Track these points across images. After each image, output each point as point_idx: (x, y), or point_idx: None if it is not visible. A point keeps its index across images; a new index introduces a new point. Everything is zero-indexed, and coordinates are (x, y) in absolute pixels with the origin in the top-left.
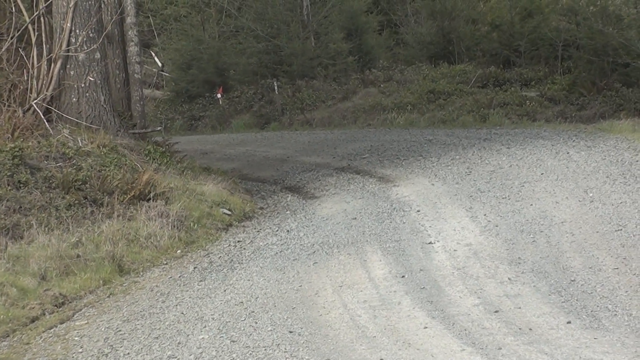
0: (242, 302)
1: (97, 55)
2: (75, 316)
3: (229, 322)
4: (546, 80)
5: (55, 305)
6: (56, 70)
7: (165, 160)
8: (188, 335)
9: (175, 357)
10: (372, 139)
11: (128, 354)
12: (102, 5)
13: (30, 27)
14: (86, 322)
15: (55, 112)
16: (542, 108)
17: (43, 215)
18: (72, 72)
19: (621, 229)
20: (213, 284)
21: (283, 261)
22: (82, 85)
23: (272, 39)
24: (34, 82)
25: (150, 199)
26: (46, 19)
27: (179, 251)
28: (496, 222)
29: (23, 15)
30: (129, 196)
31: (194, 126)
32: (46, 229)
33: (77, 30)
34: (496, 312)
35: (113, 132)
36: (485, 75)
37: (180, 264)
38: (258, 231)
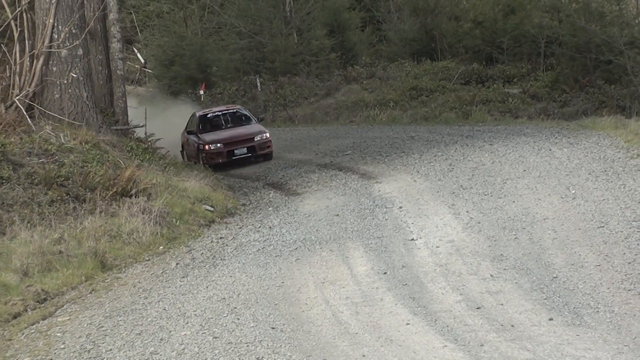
0: (224, 299)
1: (80, 52)
2: (57, 312)
3: (212, 318)
4: (529, 77)
5: (38, 302)
6: (39, 66)
7: (147, 157)
8: (170, 331)
9: (158, 354)
10: (355, 135)
11: (110, 350)
12: (85, 2)
13: (12, 23)
14: (68, 318)
15: (37, 108)
16: (525, 105)
17: (25, 211)
18: (54, 69)
19: (603, 226)
20: (195, 280)
21: (265, 257)
22: (65, 81)
23: (255, 36)
24: (17, 79)
25: (132, 195)
26: (29, 15)
27: (161, 247)
28: (478, 219)
29: (5, 12)
30: (111, 192)
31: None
32: (28, 225)
33: (60, 27)
34: (478, 308)
35: (95, 128)
36: (468, 72)
37: (163, 260)
38: (240, 227)
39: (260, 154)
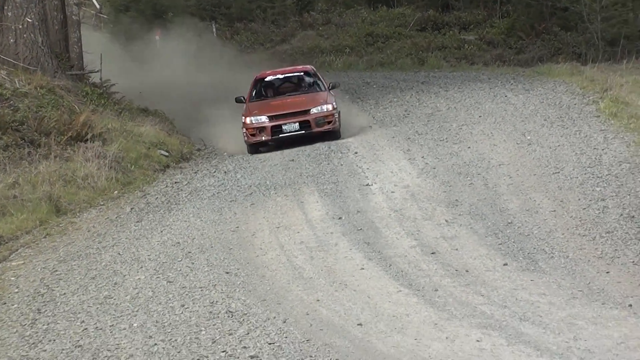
0: (178, 243)
1: None
2: (11, 256)
3: (166, 262)
4: (485, 24)
5: None
6: None
7: (102, 102)
8: (124, 275)
9: (112, 298)
10: None
11: (64, 294)
12: None
13: None
14: (22, 262)
15: None
16: (481, 51)
17: None
18: (9, 14)
19: (558, 172)
20: (150, 224)
21: (220, 202)
22: (20, 26)
23: None
24: None
25: (87, 140)
26: None
27: (115, 192)
28: (434, 165)
29: None
30: (66, 137)
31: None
32: None
33: None
34: (433, 254)
35: (51, 73)
36: (424, 19)
37: (117, 205)
38: (195, 172)
39: (317, 131)
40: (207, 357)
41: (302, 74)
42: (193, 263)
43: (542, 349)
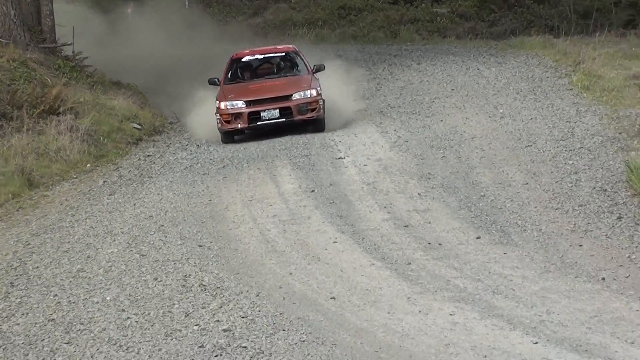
0: (151, 216)
1: None
2: None
3: (139, 236)
4: None
5: None
6: None
7: (75, 75)
8: (97, 249)
9: (85, 271)
10: None
11: (37, 267)
12: None
13: None
14: None
15: None
16: (453, 24)
17: None
18: None
19: (531, 145)
20: (122, 198)
21: (193, 175)
22: None
23: None
24: None
25: (60, 113)
26: None
27: (88, 165)
28: (406, 138)
29: None
30: (38, 110)
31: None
32: None
33: None
34: (406, 227)
35: (23, 46)
36: None
37: (90, 178)
38: (168, 145)
39: (299, 119)
40: (180, 330)
41: (283, 54)
42: (166, 236)
43: (514, 323)
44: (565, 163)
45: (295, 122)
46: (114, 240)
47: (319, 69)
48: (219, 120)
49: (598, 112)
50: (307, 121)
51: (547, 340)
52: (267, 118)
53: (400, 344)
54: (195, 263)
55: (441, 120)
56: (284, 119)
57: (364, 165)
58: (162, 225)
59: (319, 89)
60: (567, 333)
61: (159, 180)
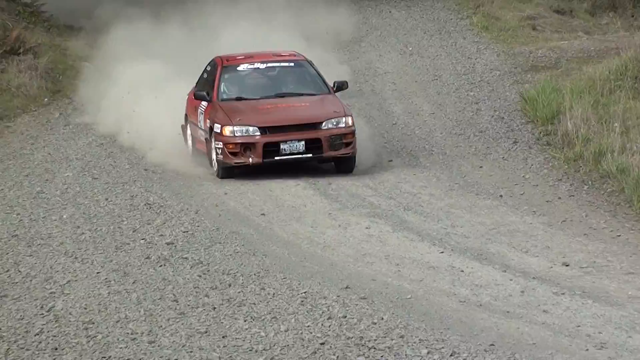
0: (102, 144)
1: None
2: None
3: (91, 161)
4: None
5: None
6: None
7: (33, 19)
8: (55, 173)
9: (44, 192)
10: None
11: (1, 190)
12: None
13: None
14: None
15: None
16: None
17: None
18: None
19: (437, 79)
20: (77, 128)
21: None
22: None
23: None
24: None
25: (20, 53)
26: None
27: (46, 99)
28: (325, 72)
29: None
30: (0, 51)
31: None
32: None
33: None
34: None
35: None
36: None
37: (48, 111)
38: None
39: (329, 156)
40: (128, 244)
41: (292, 64)
42: (115, 162)
43: (423, 235)
44: (467, 94)
45: (324, 159)
46: (70, 165)
47: (341, 86)
48: (220, 151)
49: (496, 49)
50: (339, 159)
51: (452, 250)
52: (288, 152)
53: (322, 254)
54: (141, 185)
55: (357, 57)
56: (310, 155)
57: None
58: (112, 152)
59: (352, 117)
60: (469, 243)
61: None
